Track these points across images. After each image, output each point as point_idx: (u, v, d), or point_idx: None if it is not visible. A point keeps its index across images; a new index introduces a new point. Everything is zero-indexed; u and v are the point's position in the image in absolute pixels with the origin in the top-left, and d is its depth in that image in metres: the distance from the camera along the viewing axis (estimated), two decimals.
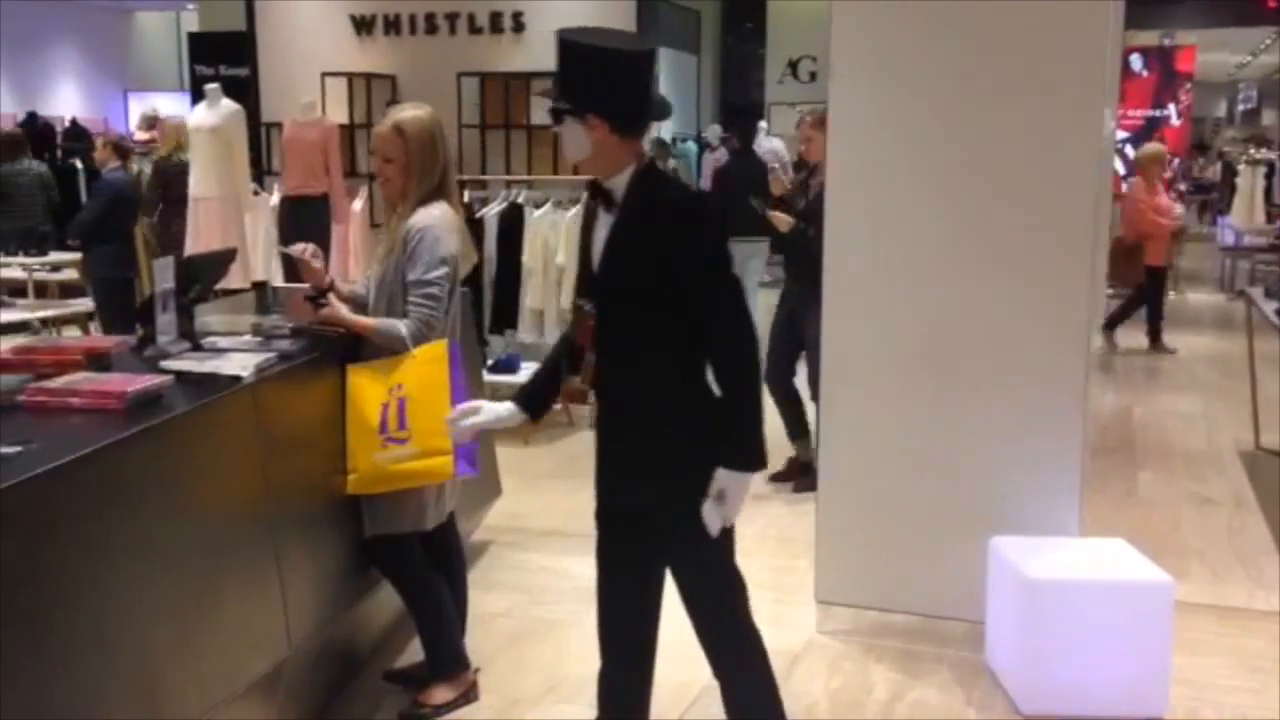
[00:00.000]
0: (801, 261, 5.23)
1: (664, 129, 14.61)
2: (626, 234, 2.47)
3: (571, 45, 2.46)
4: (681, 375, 2.47)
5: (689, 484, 2.46)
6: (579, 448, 6.38)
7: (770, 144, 13.77)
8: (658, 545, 2.58)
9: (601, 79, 2.43)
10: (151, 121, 12.17)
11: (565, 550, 4.76)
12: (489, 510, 4.76)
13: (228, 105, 8.14)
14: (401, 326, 3.14)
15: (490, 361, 6.50)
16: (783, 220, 5.45)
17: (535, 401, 2.74)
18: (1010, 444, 3.85)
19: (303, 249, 3.27)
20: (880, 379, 3.95)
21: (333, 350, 3.27)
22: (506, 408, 2.72)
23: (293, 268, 4.23)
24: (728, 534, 2.53)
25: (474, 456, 3.27)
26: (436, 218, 3.21)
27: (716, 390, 2.47)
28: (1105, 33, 3.68)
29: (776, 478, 5.58)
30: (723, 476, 2.43)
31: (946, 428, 3.90)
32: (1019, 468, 3.84)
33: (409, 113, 3.24)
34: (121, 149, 7.59)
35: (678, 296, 2.41)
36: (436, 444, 3.12)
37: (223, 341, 3.28)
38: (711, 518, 2.45)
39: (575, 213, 7.10)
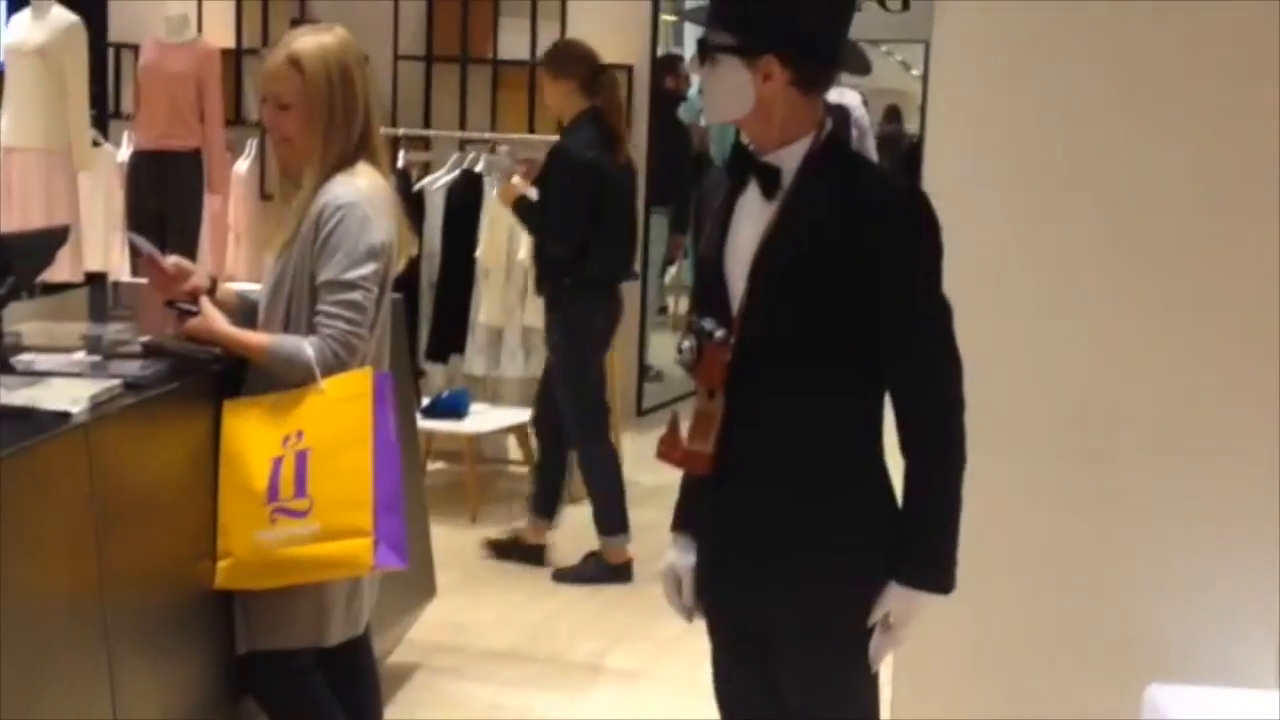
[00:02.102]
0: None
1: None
2: (797, 233, 2.48)
3: None
4: (851, 440, 2.52)
5: (840, 598, 2.51)
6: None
7: (842, 98, 13.84)
8: (780, 673, 2.62)
9: (791, 4, 2.47)
10: None
11: (524, 681, 4.78)
12: (416, 619, 4.77)
13: (60, 16, 8.18)
14: (307, 347, 3.17)
15: (426, 401, 6.52)
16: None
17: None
18: (1182, 553, 3.86)
19: (169, 261, 3.32)
20: (1006, 460, 3.95)
21: (203, 379, 3.30)
22: (682, 550, 2.71)
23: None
24: (874, 678, 2.59)
25: (401, 541, 3.28)
26: (363, 190, 3.25)
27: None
28: None
29: (497, 549, 5.92)
30: (896, 595, 2.49)
31: (1091, 525, 3.91)
32: (1193, 587, 3.85)
33: (310, 39, 3.29)
34: None
35: (862, 330, 2.45)
36: (348, 520, 3.14)
37: (43, 361, 3.29)
38: (874, 646, 2.51)
39: None
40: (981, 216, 3.94)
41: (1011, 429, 3.94)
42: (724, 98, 2.52)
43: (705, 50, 2.52)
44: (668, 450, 2.61)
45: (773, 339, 2.50)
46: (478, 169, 7.17)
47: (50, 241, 3.97)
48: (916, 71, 15.44)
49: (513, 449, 7.03)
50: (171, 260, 3.38)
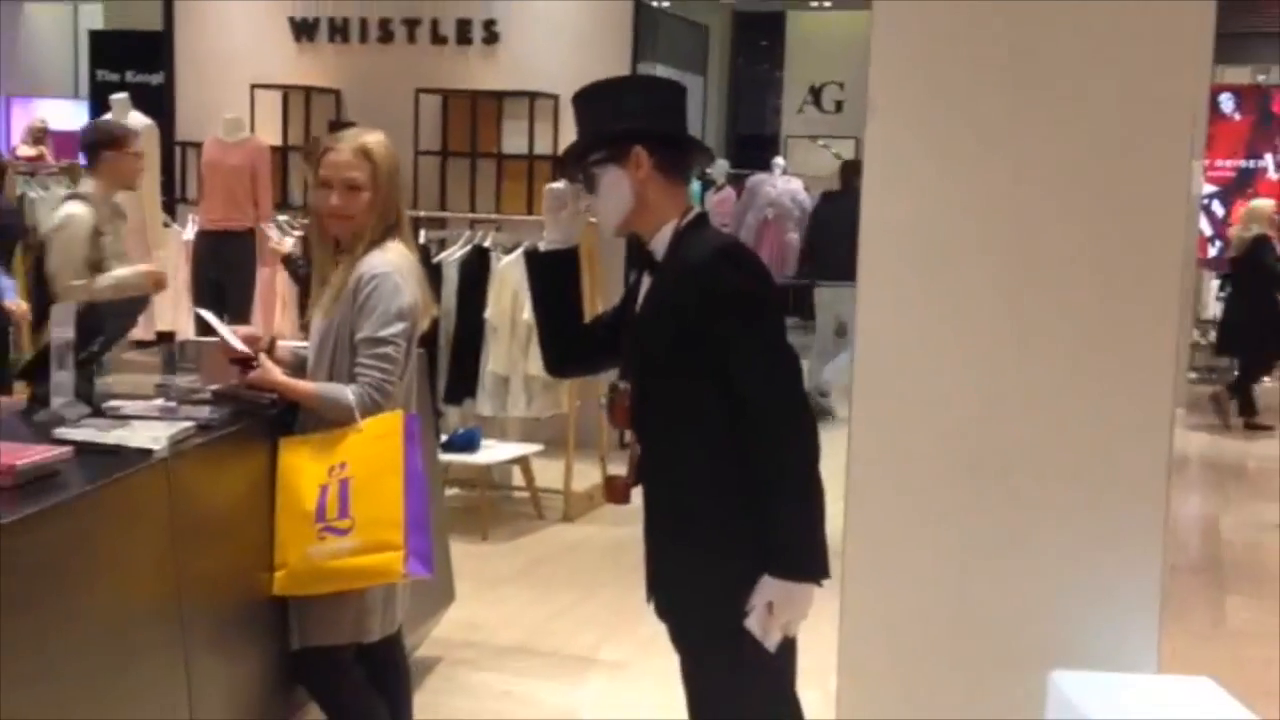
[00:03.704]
0: None
1: None
2: (656, 300, 2.66)
3: (593, 89, 2.70)
4: (723, 461, 2.58)
5: (722, 595, 2.58)
6: (547, 547, 6.39)
7: (788, 185, 13.96)
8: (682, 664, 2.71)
9: (637, 104, 2.67)
10: (39, 134, 12.27)
11: (530, 671, 4.77)
12: (439, 620, 4.76)
13: (137, 119, 8.21)
14: (348, 393, 3.19)
15: (444, 437, 6.52)
16: None
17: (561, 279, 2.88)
18: (1075, 559, 3.88)
19: (242, 333, 3.33)
20: (920, 479, 3.98)
21: (262, 421, 3.31)
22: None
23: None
24: (771, 676, 2.65)
25: (428, 554, 3.29)
26: (394, 263, 3.28)
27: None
28: (1194, 72, 3.78)
29: None
30: (769, 585, 2.55)
31: (998, 538, 3.93)
32: (1085, 589, 3.87)
33: (372, 136, 3.33)
34: None
35: (711, 374, 2.55)
36: (384, 536, 3.15)
37: (128, 406, 3.30)
38: (759, 628, 2.55)
39: None
40: (906, 281, 3.99)
41: (926, 462, 3.97)
42: (611, 202, 2.67)
43: (589, 178, 2.69)
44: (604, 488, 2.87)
45: (650, 386, 2.65)
46: (486, 244, 7.20)
47: (133, 308, 3.99)
48: None
49: (517, 477, 7.03)
50: (244, 333, 3.37)
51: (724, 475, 2.59)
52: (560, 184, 2.82)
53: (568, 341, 2.91)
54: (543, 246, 2.88)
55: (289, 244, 6.64)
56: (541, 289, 2.90)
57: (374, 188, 3.27)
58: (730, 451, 2.57)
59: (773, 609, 2.54)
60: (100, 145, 5.11)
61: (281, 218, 8.12)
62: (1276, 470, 8.88)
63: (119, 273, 5.09)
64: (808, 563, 2.55)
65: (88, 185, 5.12)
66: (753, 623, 2.55)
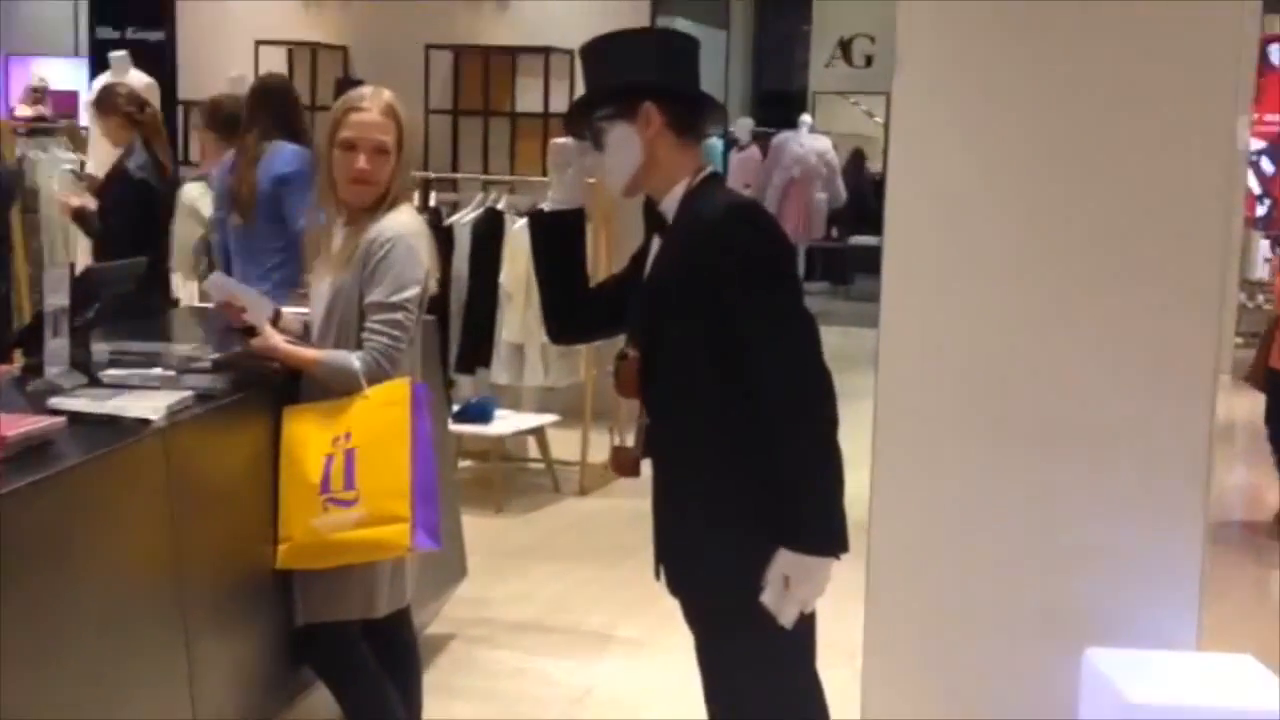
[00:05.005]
0: None
1: None
2: (668, 260, 2.62)
3: (602, 42, 2.66)
4: (736, 435, 2.56)
5: (734, 571, 2.57)
6: (563, 521, 6.41)
7: (815, 143, 13.90)
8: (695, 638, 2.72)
9: (648, 57, 2.64)
10: (39, 95, 12.31)
11: (545, 648, 4.78)
12: (450, 596, 4.78)
13: (138, 78, 8.22)
14: (354, 360, 3.18)
15: (456, 407, 6.53)
16: None
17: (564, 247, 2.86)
18: (1113, 532, 3.87)
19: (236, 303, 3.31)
20: (950, 446, 3.97)
21: (265, 389, 3.31)
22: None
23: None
24: (789, 655, 2.64)
25: (436, 527, 3.30)
26: (408, 225, 3.27)
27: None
28: (1239, 22, 3.75)
29: None
30: (785, 559, 2.52)
31: (1033, 508, 3.92)
32: (1123, 562, 3.86)
33: (391, 95, 3.31)
34: None
35: (722, 339, 2.52)
36: (390, 508, 3.15)
37: (127, 375, 3.30)
38: (777, 604, 2.53)
39: None
40: (930, 238, 3.97)
41: (957, 429, 3.96)
42: (619, 158, 2.64)
43: (596, 133, 2.65)
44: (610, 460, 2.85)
45: (660, 352, 2.62)
46: (499, 207, 7.19)
47: (126, 272, 3.99)
48: (879, 119, 15.47)
49: (532, 449, 7.04)
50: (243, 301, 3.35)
51: (735, 445, 2.56)
52: (567, 139, 2.79)
53: (571, 308, 2.88)
54: (547, 207, 2.86)
55: (75, 200, 6.41)
56: (545, 252, 2.87)
57: (399, 150, 3.26)
58: (742, 420, 2.54)
59: (789, 584, 2.52)
60: None
61: None
62: None
63: None
64: (825, 535, 2.52)
65: None
66: (768, 599, 2.53)
